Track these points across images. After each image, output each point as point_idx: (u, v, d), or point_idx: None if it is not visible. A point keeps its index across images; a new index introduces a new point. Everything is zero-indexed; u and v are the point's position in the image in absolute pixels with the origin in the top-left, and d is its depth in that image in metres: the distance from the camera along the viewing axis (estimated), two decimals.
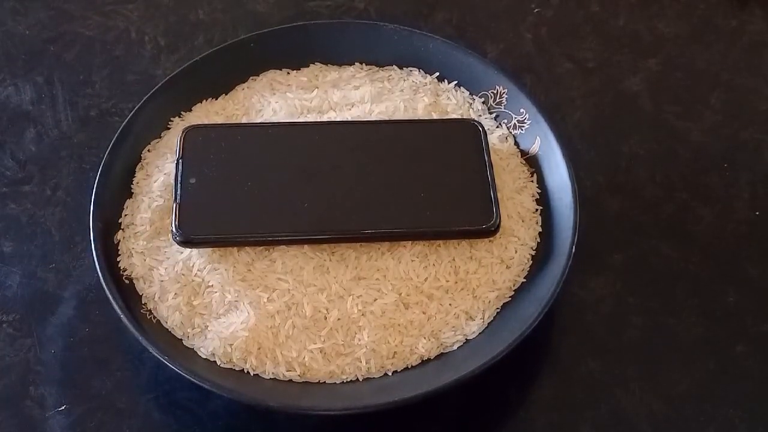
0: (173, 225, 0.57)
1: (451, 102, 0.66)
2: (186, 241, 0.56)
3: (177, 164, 0.59)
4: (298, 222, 0.57)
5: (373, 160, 0.60)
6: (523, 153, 0.64)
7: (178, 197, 0.58)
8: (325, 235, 0.57)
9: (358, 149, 0.61)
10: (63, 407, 0.57)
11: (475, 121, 0.63)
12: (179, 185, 0.58)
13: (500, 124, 0.65)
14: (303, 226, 0.57)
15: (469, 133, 0.62)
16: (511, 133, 0.65)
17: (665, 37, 0.77)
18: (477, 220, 0.58)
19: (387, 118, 0.64)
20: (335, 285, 0.56)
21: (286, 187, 0.59)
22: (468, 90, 0.67)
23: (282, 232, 0.57)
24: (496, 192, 0.59)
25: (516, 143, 0.64)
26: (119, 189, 0.61)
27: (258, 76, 0.68)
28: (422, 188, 0.59)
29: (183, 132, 0.61)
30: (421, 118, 0.64)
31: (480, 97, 0.66)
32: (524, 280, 0.58)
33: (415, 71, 0.68)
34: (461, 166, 0.60)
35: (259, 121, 0.65)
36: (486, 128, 0.62)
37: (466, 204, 0.58)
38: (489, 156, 0.60)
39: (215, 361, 0.55)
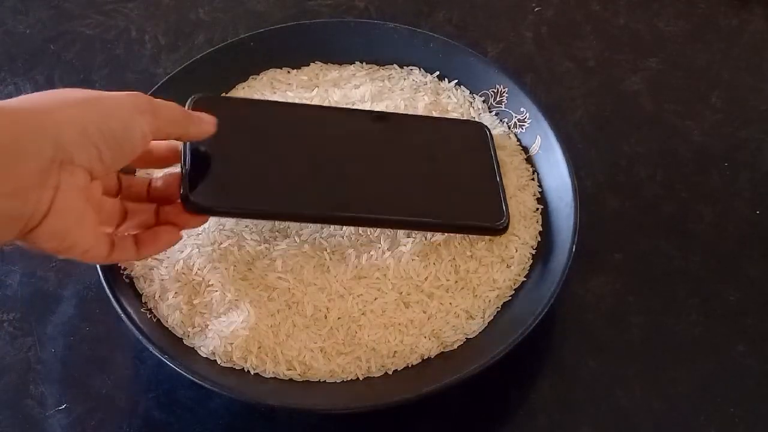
0: (183, 191, 0.53)
1: (451, 101, 0.66)
2: (196, 209, 0.54)
3: None
4: (312, 200, 0.56)
5: (388, 150, 0.60)
6: (524, 152, 0.64)
7: (187, 164, 0.54)
8: (343, 214, 0.56)
9: (372, 137, 0.60)
10: (63, 406, 0.57)
11: (485, 125, 0.63)
12: (188, 153, 0.55)
13: (501, 121, 0.65)
14: (318, 204, 0.56)
15: (479, 135, 0.62)
16: (512, 131, 0.65)
17: (666, 37, 0.77)
18: (488, 218, 0.58)
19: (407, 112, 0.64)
20: (335, 284, 0.56)
21: (298, 166, 0.58)
22: (468, 89, 0.67)
23: (295, 208, 0.56)
24: (505, 193, 0.59)
25: (518, 141, 0.64)
26: None
27: (258, 75, 0.68)
28: (435, 182, 0.59)
29: (192, 100, 0.58)
30: (435, 116, 0.64)
31: (480, 96, 0.66)
32: (525, 279, 0.58)
33: (416, 70, 0.68)
34: (472, 165, 0.61)
35: (273, 98, 0.64)
36: (487, 122, 0.63)
37: (478, 201, 0.59)
38: (497, 158, 0.61)
39: (215, 360, 0.55)
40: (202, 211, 0.54)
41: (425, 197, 0.58)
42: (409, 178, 0.59)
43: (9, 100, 0.45)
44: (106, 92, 0.48)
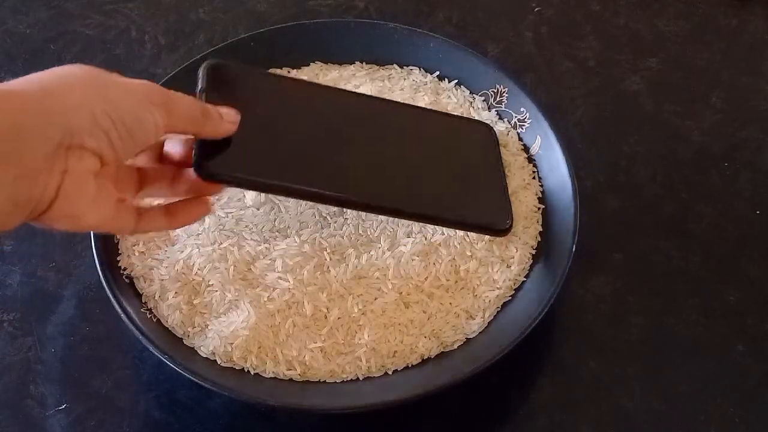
0: (195, 157, 0.51)
1: (451, 101, 0.66)
2: (207, 175, 0.52)
3: (200, 96, 0.53)
4: (321, 179, 0.55)
5: (401, 140, 0.60)
6: (525, 151, 0.64)
7: None
8: (356, 199, 0.55)
9: (387, 126, 0.60)
10: (63, 406, 0.57)
11: (492, 127, 0.63)
12: None
13: (502, 119, 0.65)
14: (329, 184, 0.55)
15: (487, 135, 0.63)
16: (514, 130, 0.65)
17: (666, 36, 0.77)
18: (494, 218, 0.58)
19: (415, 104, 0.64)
20: (335, 284, 0.56)
21: (311, 144, 0.56)
22: (468, 89, 0.67)
23: (304, 184, 0.54)
24: (509, 195, 0.59)
25: (520, 140, 0.64)
26: None
27: None
28: (443, 177, 0.59)
29: (206, 65, 0.55)
30: (449, 113, 0.64)
31: (480, 95, 0.66)
32: (525, 279, 0.58)
33: (416, 70, 0.68)
34: (480, 165, 0.61)
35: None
36: (488, 121, 0.63)
37: (485, 201, 0.59)
38: (501, 161, 0.61)
39: (215, 360, 0.55)
40: (212, 177, 0.52)
41: (433, 191, 0.58)
42: (417, 171, 0.59)
43: (14, 81, 0.43)
44: (117, 77, 0.46)
